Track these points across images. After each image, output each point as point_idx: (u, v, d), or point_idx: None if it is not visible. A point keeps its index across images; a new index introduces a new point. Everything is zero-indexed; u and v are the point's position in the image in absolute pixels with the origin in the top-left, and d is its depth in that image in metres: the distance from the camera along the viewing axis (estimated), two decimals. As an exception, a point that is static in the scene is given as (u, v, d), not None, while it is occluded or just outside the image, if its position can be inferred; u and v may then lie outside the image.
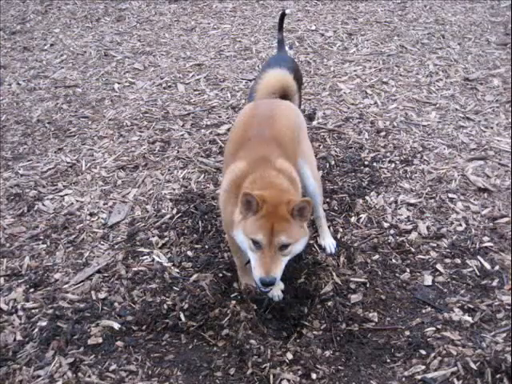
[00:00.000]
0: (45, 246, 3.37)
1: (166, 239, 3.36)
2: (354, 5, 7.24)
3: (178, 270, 3.12)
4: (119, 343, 2.67)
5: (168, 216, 3.55)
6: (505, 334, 2.59)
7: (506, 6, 7.09)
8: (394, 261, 3.13)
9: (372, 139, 4.28)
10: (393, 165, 3.96)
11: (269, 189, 2.47)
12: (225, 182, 2.71)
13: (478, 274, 3.01)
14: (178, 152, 4.24)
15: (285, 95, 3.26)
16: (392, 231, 3.34)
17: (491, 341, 2.56)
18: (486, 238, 3.23)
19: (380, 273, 3.05)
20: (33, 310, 2.90)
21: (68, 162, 4.20)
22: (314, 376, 2.48)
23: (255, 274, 2.40)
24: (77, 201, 3.77)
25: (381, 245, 3.24)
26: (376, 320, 2.77)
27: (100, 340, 2.68)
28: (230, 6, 7.45)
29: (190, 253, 3.26)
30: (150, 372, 2.53)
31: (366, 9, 7.10)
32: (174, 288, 2.97)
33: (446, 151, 4.09)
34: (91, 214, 3.63)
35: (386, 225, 3.39)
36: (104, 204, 3.72)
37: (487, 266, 3.04)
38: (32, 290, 3.04)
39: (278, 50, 4.60)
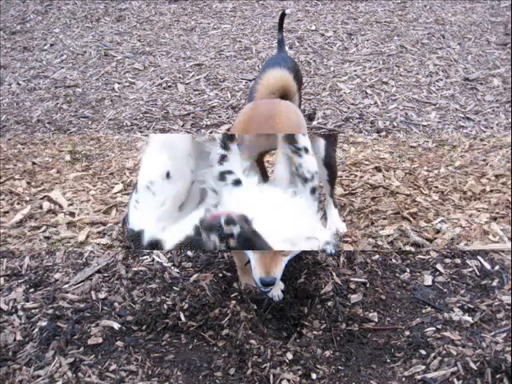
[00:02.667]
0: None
1: (166, 239, 3.36)
2: (353, 5, 7.25)
3: (177, 270, 3.12)
4: (119, 343, 2.67)
5: (168, 216, 3.55)
6: (505, 334, 2.59)
7: (506, 6, 7.09)
8: (393, 261, 3.13)
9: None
10: (393, 165, 3.97)
11: (269, 189, 2.46)
12: (225, 181, 2.70)
13: (478, 273, 3.01)
14: (178, 152, 4.24)
15: (285, 95, 3.26)
16: (392, 231, 3.34)
17: (491, 341, 2.56)
18: (486, 238, 3.23)
19: (380, 273, 3.05)
20: (33, 310, 2.89)
21: (68, 162, 4.21)
22: (314, 376, 2.47)
23: (255, 274, 2.39)
24: (77, 201, 3.77)
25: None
26: (376, 320, 2.77)
27: (100, 340, 2.68)
28: (230, 6, 7.46)
29: (189, 253, 3.26)
30: (150, 372, 2.53)
31: (366, 9, 7.11)
32: (174, 288, 2.97)
33: (446, 151, 4.10)
34: (91, 214, 3.64)
35: (386, 225, 3.39)
36: (104, 204, 3.72)
37: (487, 266, 3.04)
38: (32, 290, 3.04)
39: (278, 49, 4.60)
